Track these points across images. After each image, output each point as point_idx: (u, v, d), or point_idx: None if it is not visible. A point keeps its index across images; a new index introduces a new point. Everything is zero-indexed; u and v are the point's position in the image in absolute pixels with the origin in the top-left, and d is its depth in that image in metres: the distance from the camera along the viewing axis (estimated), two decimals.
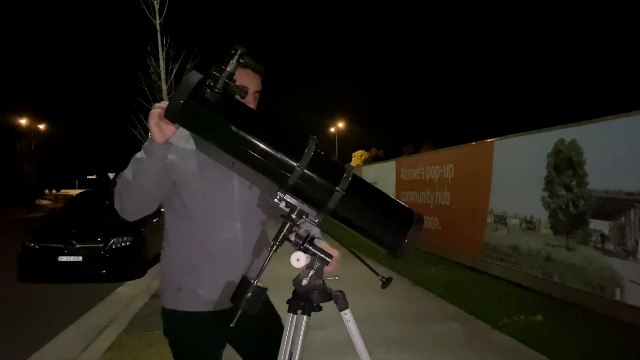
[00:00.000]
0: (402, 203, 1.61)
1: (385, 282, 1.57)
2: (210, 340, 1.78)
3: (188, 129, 1.47)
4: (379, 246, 1.58)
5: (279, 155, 1.39)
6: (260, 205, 1.82)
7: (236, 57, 1.33)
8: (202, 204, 1.71)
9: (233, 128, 1.39)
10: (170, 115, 1.39)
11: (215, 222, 1.72)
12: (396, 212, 1.56)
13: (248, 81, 1.72)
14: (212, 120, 1.38)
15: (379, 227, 1.55)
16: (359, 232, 1.55)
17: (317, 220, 1.48)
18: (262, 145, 1.39)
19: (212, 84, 1.33)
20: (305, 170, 1.38)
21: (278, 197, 1.44)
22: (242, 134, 1.39)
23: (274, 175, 1.43)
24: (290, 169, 1.38)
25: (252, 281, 1.40)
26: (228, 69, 1.33)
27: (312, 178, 1.40)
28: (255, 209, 1.81)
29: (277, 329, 1.70)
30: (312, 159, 1.39)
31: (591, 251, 5.10)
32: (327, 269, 1.63)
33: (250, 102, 1.73)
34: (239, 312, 1.39)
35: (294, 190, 1.43)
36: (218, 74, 1.33)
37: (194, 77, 1.36)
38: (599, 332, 4.35)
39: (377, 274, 1.59)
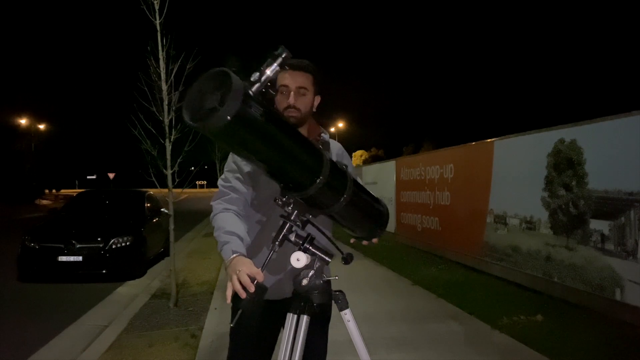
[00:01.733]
0: (375, 196, 1.69)
1: (347, 259, 1.56)
2: (260, 323, 1.84)
3: (223, 144, 1.24)
4: (353, 234, 1.70)
5: (310, 165, 1.32)
6: None
7: (279, 60, 1.16)
8: (256, 215, 1.81)
9: (280, 142, 1.23)
10: (210, 131, 1.10)
11: (263, 234, 1.79)
12: (378, 209, 1.68)
13: (289, 80, 1.70)
14: (257, 136, 1.16)
15: (366, 223, 1.66)
16: (345, 225, 1.63)
17: (309, 217, 1.48)
18: (298, 158, 1.30)
19: (251, 91, 1.13)
20: (327, 180, 1.34)
21: (284, 200, 1.41)
22: (286, 147, 1.26)
23: (297, 184, 1.35)
24: (314, 178, 1.32)
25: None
26: (269, 73, 1.15)
27: (329, 187, 1.37)
28: None
29: (325, 316, 1.86)
30: (330, 168, 1.36)
31: (591, 251, 5.10)
32: None
33: (299, 99, 1.71)
34: (239, 312, 1.39)
35: (310, 197, 1.36)
36: (259, 81, 1.14)
37: (239, 83, 1.08)
38: (599, 332, 4.34)
39: (341, 252, 1.59)
